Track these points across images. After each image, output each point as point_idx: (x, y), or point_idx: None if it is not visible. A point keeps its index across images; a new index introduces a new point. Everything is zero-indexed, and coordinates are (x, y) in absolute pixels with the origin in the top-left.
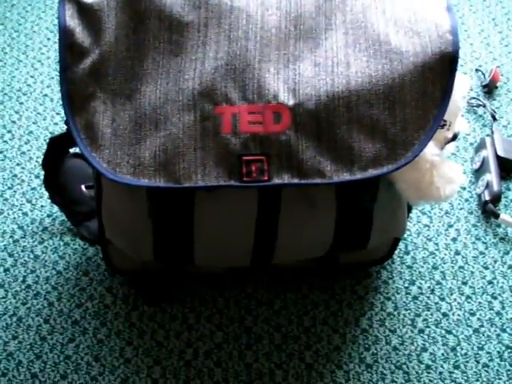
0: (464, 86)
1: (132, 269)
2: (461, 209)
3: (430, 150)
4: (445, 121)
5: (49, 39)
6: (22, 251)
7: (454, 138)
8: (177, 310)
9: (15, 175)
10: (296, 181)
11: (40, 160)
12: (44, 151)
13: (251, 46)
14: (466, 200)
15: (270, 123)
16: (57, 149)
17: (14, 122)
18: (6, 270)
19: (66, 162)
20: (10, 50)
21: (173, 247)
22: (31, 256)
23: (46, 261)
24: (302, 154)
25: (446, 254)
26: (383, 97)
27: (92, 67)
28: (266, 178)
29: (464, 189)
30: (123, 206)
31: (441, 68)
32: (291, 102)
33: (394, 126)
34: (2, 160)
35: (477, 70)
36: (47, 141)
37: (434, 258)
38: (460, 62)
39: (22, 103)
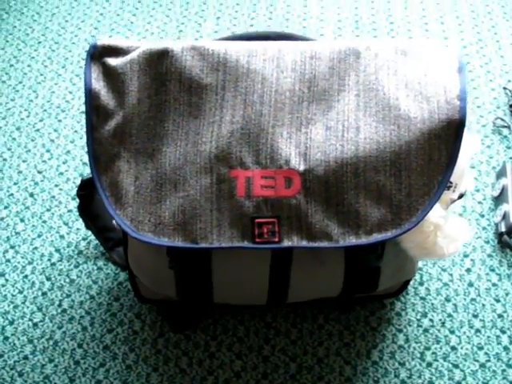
0: (472, 146)
1: (158, 298)
2: (478, 237)
3: (435, 213)
4: (451, 182)
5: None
6: (59, 275)
7: (460, 197)
8: (200, 337)
9: (53, 196)
10: (304, 243)
11: (76, 181)
12: (79, 174)
13: (265, 110)
14: (484, 228)
15: (282, 188)
16: (90, 181)
17: (52, 140)
18: (44, 294)
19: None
20: (50, 64)
21: (193, 292)
22: (67, 280)
23: (80, 285)
24: (311, 218)
25: (459, 286)
26: (390, 163)
27: (116, 128)
28: (276, 240)
29: (482, 216)
30: (146, 256)
31: (447, 135)
32: (302, 168)
33: (399, 192)
34: (42, 181)
35: (504, 88)
36: (80, 177)
37: (447, 289)
38: (489, 76)
39: (60, 121)
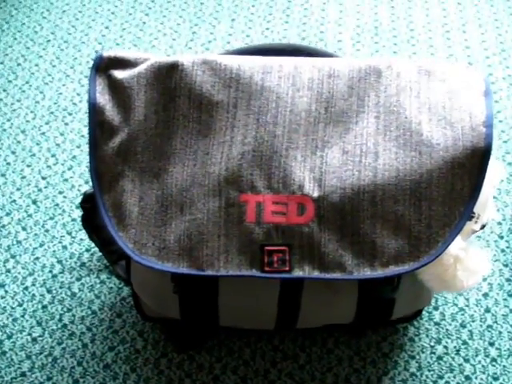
0: (496, 175)
1: (162, 317)
2: (496, 260)
3: (455, 245)
4: (473, 213)
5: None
6: (60, 287)
7: (482, 227)
8: (204, 359)
9: (57, 204)
10: (316, 273)
11: (81, 188)
12: (85, 181)
13: (279, 131)
14: (502, 250)
15: (294, 215)
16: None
17: (58, 145)
18: (44, 307)
19: None
20: (58, 63)
21: (198, 315)
22: (68, 293)
23: (82, 299)
24: (324, 247)
25: (475, 311)
26: (409, 193)
27: (121, 146)
28: (287, 269)
29: (501, 237)
30: (150, 278)
31: (471, 163)
32: (316, 194)
33: (418, 223)
34: (45, 187)
35: None
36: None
37: (462, 314)
38: None
39: (67, 124)
